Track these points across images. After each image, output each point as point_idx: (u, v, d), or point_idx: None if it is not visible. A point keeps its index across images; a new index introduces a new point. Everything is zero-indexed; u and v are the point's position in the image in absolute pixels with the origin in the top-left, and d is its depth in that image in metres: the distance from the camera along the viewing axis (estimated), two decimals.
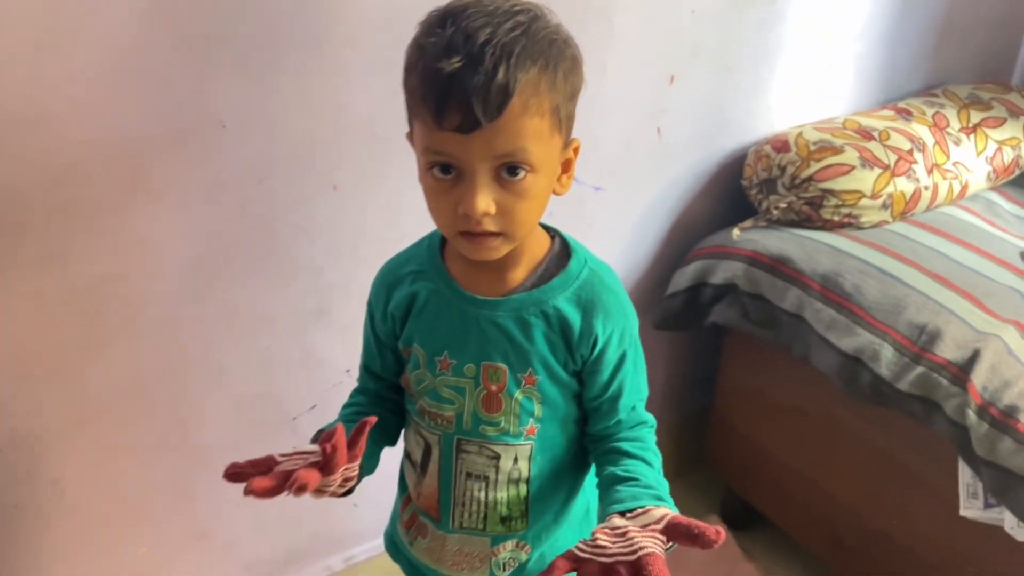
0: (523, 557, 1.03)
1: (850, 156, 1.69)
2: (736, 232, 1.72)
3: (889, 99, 2.05)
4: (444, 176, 0.83)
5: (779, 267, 1.62)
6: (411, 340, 0.99)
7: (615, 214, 1.71)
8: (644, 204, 1.75)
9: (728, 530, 1.91)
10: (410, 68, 0.83)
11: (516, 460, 0.98)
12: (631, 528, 0.81)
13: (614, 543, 0.79)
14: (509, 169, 0.82)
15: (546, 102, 0.81)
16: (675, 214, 1.81)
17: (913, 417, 1.43)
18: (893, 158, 1.72)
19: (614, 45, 1.53)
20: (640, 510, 0.84)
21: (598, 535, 0.80)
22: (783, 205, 1.70)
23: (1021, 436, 1.29)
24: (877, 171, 1.69)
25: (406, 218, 1.42)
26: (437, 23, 0.81)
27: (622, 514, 0.85)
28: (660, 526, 0.80)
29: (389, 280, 1.01)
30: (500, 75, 0.77)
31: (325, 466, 0.85)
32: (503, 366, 0.95)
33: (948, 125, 1.88)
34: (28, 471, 1.25)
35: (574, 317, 0.94)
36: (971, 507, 1.41)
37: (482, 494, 0.99)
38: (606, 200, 1.68)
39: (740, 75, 1.76)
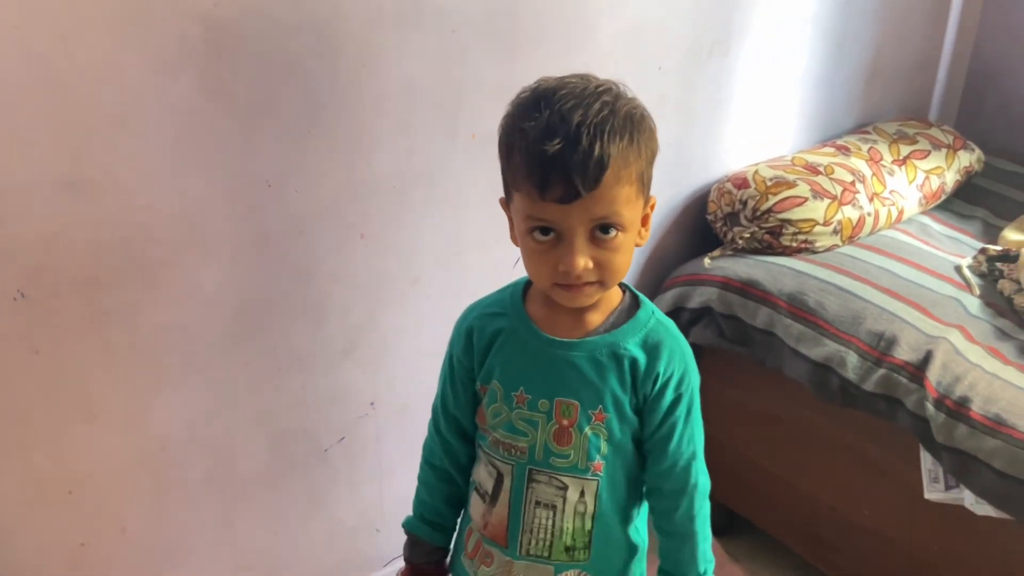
0: None
1: (803, 189, 1.90)
2: (707, 261, 1.91)
3: (827, 137, 2.30)
4: (544, 238, 0.95)
5: (749, 290, 1.82)
6: (490, 376, 1.11)
7: None
8: None
9: (712, 536, 2.07)
10: (511, 147, 0.96)
11: (583, 494, 1.09)
12: None
13: None
14: (602, 228, 0.94)
15: (633, 171, 0.94)
16: (650, 247, 2.00)
17: (878, 414, 1.63)
18: (839, 189, 1.94)
19: None
20: None
21: None
22: (747, 235, 1.90)
23: (973, 422, 1.49)
24: (827, 201, 1.90)
25: (420, 262, 1.59)
26: (532, 107, 0.94)
27: None
28: None
29: (472, 322, 1.13)
30: (596, 152, 0.89)
31: None
32: (575, 402, 1.05)
33: (882, 158, 2.12)
34: (95, 510, 1.35)
35: (641, 358, 1.04)
36: (934, 490, 1.60)
37: (549, 522, 1.10)
38: None
39: (700, 122, 1.97)
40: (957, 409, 1.51)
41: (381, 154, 1.46)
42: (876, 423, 1.67)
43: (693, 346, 1.91)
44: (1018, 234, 1.96)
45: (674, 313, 1.92)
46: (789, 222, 1.88)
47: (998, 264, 1.86)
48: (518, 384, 1.08)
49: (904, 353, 1.61)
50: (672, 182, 1.98)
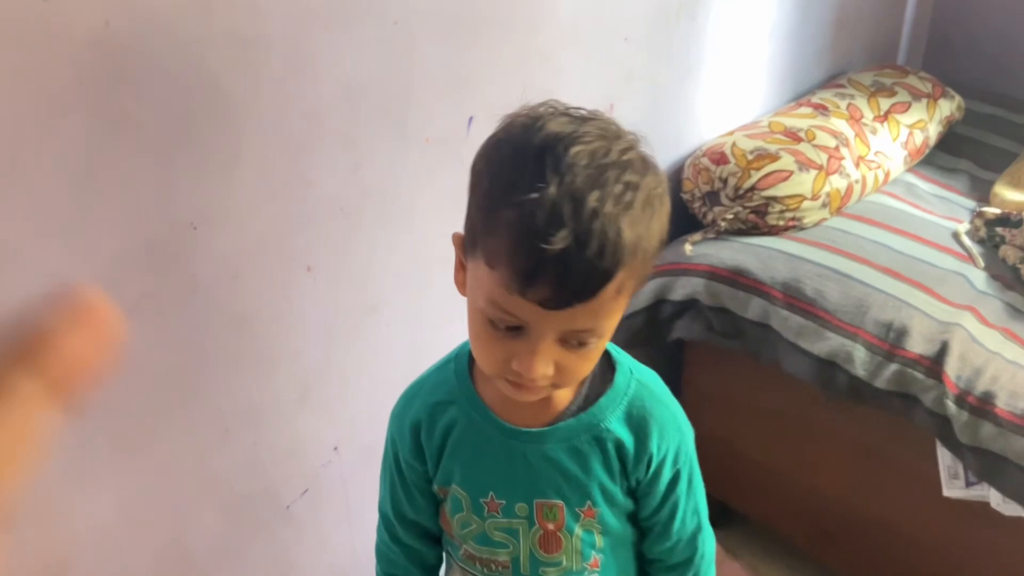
0: None
1: (787, 162, 1.74)
2: (688, 248, 1.74)
3: (799, 93, 2.13)
4: (503, 328, 0.76)
5: (738, 279, 1.66)
6: (449, 480, 0.92)
7: None
8: None
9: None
10: (496, 212, 0.73)
11: None
12: None
13: None
14: (578, 334, 0.76)
15: (636, 279, 0.75)
16: None
17: (892, 412, 1.50)
18: (824, 157, 1.78)
19: (560, 81, 1.52)
20: None
21: None
22: (730, 216, 1.74)
23: (1000, 420, 1.37)
24: (813, 173, 1.74)
25: (376, 289, 1.40)
26: (534, 165, 0.71)
27: None
28: None
29: (416, 416, 0.93)
30: (605, 261, 0.70)
31: None
32: (559, 502, 0.89)
33: (863, 116, 1.96)
34: None
35: (627, 438, 0.87)
36: (954, 487, 1.49)
37: None
38: None
39: (670, 92, 1.79)
40: (981, 406, 1.39)
41: (322, 173, 1.25)
42: (888, 416, 1.54)
43: (678, 342, 1.80)
44: (1015, 192, 1.82)
45: (655, 307, 1.76)
46: (775, 199, 1.71)
47: (998, 229, 1.73)
48: (486, 489, 0.90)
49: (917, 345, 1.47)
50: None
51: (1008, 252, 1.67)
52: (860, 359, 1.50)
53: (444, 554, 1.01)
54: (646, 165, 0.76)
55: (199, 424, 1.25)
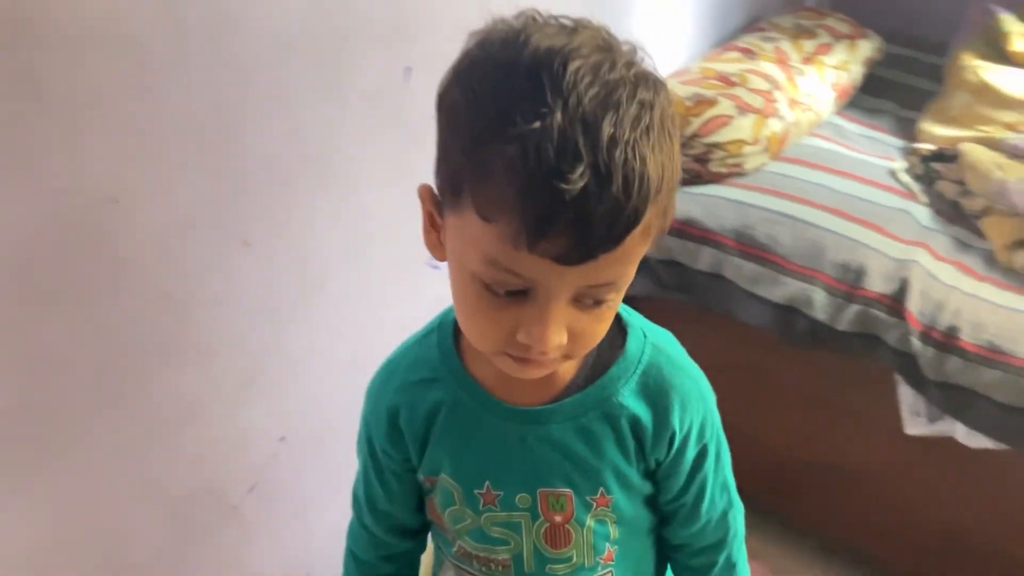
0: None
1: (726, 106, 1.69)
2: None
3: (721, 39, 2.09)
4: (503, 293, 0.63)
5: (687, 229, 1.61)
6: (436, 469, 0.80)
7: None
8: None
9: None
10: (486, 152, 0.59)
11: None
12: None
13: None
14: (596, 291, 0.64)
15: (661, 217, 0.64)
16: None
17: (853, 354, 1.47)
18: (760, 101, 1.74)
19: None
20: None
21: None
22: None
23: (966, 353, 1.36)
24: (752, 117, 1.70)
25: (321, 262, 1.29)
26: (528, 86, 0.58)
27: None
28: None
29: (394, 399, 0.80)
30: (632, 199, 0.57)
31: None
32: (567, 491, 0.77)
33: (790, 58, 1.93)
34: None
35: (644, 413, 0.75)
36: (916, 425, 1.48)
37: None
38: None
39: None
40: (946, 341, 1.38)
41: (254, 136, 1.12)
42: (840, 360, 1.52)
43: (628, 300, 1.74)
44: (943, 128, 1.82)
45: None
46: (717, 146, 1.66)
47: (933, 165, 1.72)
48: (481, 478, 0.78)
49: (877, 284, 1.45)
50: None
51: (946, 187, 1.67)
52: (820, 302, 1.47)
53: (435, 549, 0.91)
54: (654, 80, 0.63)
55: (131, 422, 1.12)
